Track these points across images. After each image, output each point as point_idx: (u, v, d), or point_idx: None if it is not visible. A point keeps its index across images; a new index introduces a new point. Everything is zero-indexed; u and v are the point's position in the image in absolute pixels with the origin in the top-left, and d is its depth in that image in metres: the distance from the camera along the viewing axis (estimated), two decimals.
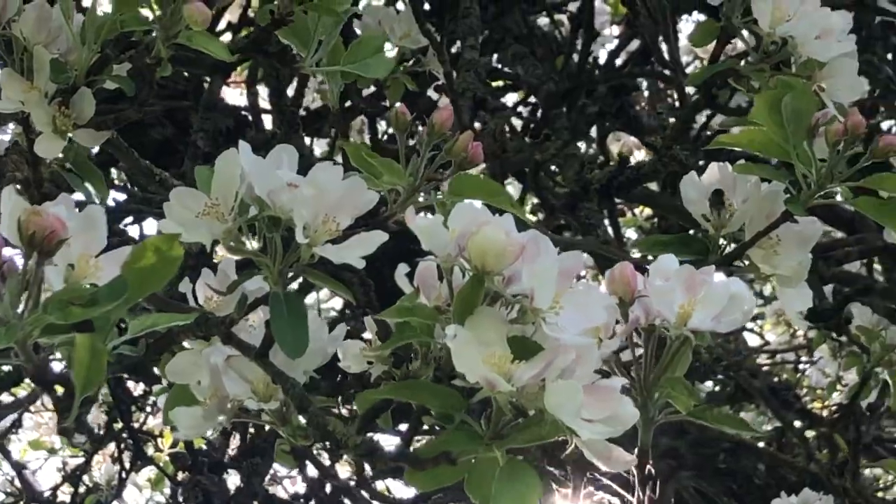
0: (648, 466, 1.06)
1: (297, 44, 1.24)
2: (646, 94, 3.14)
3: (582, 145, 2.74)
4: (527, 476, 0.95)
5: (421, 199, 1.16)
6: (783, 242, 1.29)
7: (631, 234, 3.50)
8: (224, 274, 1.17)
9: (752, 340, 3.77)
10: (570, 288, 0.98)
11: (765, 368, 3.38)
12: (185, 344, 1.16)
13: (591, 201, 1.69)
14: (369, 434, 1.03)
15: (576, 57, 2.38)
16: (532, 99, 2.65)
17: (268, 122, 2.22)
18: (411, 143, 1.16)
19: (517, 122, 2.73)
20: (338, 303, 3.35)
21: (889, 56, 2.14)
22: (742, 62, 1.45)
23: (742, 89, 1.44)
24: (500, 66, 2.73)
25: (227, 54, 1.12)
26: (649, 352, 1.00)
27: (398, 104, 1.15)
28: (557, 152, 1.86)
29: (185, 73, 2.30)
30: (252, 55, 1.37)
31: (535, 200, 2.74)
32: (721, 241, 1.31)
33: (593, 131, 2.67)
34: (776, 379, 3.09)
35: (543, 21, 3.00)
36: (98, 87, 1.23)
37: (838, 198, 1.26)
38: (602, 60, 2.72)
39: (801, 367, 3.58)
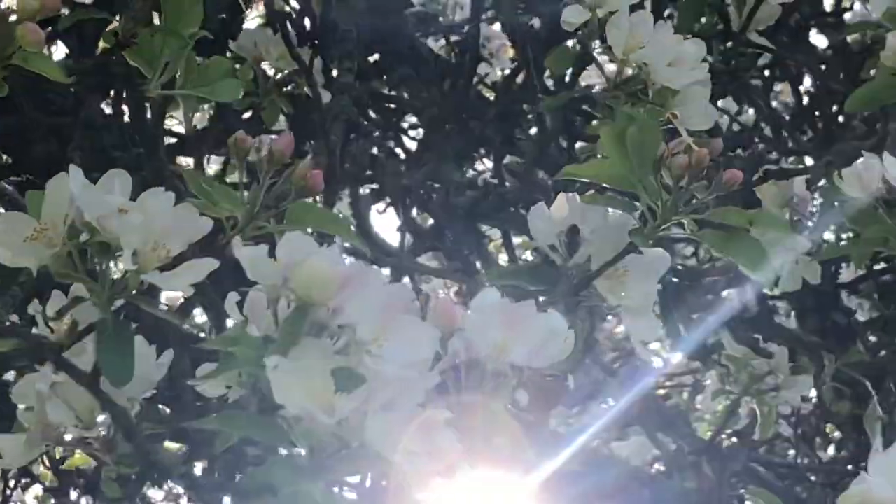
0: None
1: (143, 66, 1.23)
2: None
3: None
4: None
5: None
6: (630, 273, 1.29)
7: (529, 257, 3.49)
8: (57, 298, 1.15)
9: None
10: (397, 320, 0.98)
11: (662, 392, 3.38)
12: None
13: (456, 226, 1.70)
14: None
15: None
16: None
17: None
18: None
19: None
20: None
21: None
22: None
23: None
24: (388, 90, 2.72)
25: (62, 76, 1.10)
26: (470, 386, 0.99)
27: (238, 132, 1.13)
28: (425, 178, 1.86)
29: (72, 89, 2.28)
30: (95, 77, 1.36)
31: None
32: (571, 271, 1.31)
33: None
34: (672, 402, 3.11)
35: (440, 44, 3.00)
36: None
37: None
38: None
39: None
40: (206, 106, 2.54)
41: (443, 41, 2.96)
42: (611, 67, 1.45)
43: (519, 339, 0.98)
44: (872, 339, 2.23)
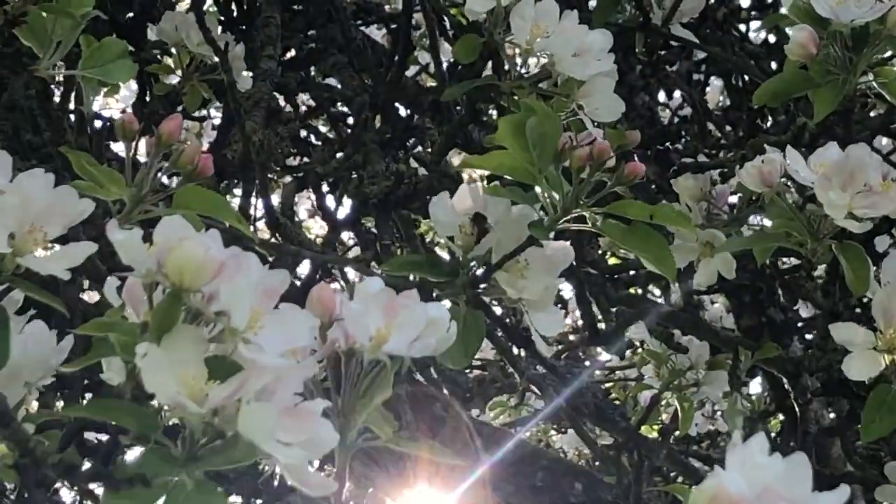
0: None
1: (34, 45, 1.21)
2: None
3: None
4: (215, 500, 0.92)
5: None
6: (531, 266, 1.28)
7: None
8: None
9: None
10: (274, 308, 0.96)
11: (606, 385, 3.36)
12: None
13: (369, 216, 1.68)
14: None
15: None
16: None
17: None
18: None
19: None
20: None
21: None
22: None
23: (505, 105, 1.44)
24: (320, 77, 2.71)
25: None
26: (349, 375, 0.98)
27: (125, 113, 1.11)
28: (339, 166, 1.85)
29: None
30: None
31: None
32: (471, 263, 1.29)
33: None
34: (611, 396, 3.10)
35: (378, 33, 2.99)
36: None
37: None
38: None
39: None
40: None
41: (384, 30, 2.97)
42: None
43: (398, 329, 0.97)
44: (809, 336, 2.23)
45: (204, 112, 2.60)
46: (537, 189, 1.26)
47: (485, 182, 1.38)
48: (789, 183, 1.37)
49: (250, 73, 2.04)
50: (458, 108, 1.62)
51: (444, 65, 1.72)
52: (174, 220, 0.98)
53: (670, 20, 1.75)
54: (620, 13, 1.74)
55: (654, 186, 1.97)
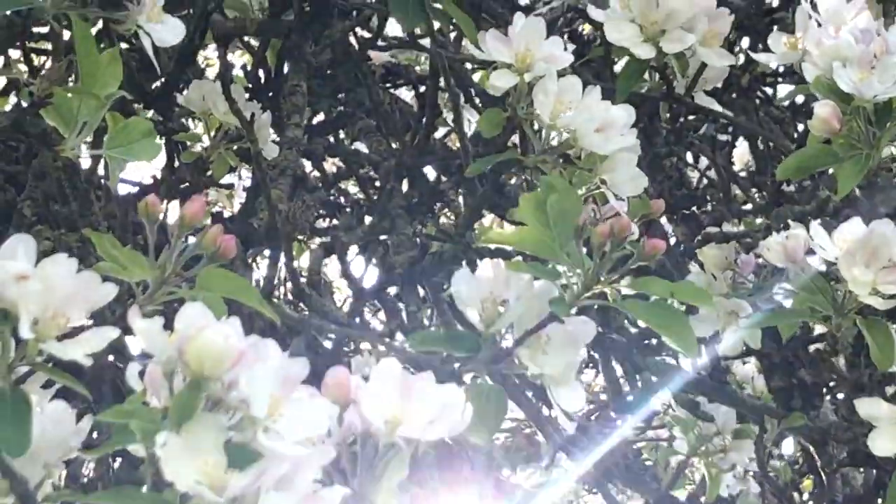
0: None
1: (60, 125, 1.22)
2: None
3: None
4: None
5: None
6: (552, 342, 1.27)
7: None
8: None
9: None
10: (292, 395, 0.97)
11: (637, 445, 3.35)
12: None
13: (395, 285, 1.69)
14: None
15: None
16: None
17: None
18: None
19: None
20: None
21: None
22: None
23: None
24: (348, 141, 2.72)
25: None
26: (365, 458, 0.98)
27: (150, 196, 1.12)
28: (365, 235, 1.86)
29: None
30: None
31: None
32: (495, 337, 1.29)
33: None
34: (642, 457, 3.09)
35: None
36: None
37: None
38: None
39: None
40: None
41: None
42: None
43: (413, 412, 0.97)
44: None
45: (232, 177, 2.61)
46: (559, 265, 1.27)
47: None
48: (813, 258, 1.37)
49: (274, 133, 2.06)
50: (483, 180, 1.62)
51: (469, 132, 1.73)
52: (195, 307, 0.98)
53: (693, 88, 1.75)
54: (644, 81, 1.74)
55: (681, 248, 1.97)
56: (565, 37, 2.19)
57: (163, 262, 1.13)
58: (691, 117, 2.03)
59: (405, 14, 1.49)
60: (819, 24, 1.45)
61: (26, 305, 0.98)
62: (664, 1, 1.56)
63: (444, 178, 2.48)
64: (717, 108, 1.83)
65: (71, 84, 1.24)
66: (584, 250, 1.25)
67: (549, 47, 1.44)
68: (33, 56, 2.23)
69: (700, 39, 1.58)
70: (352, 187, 3.00)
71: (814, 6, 1.52)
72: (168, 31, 1.24)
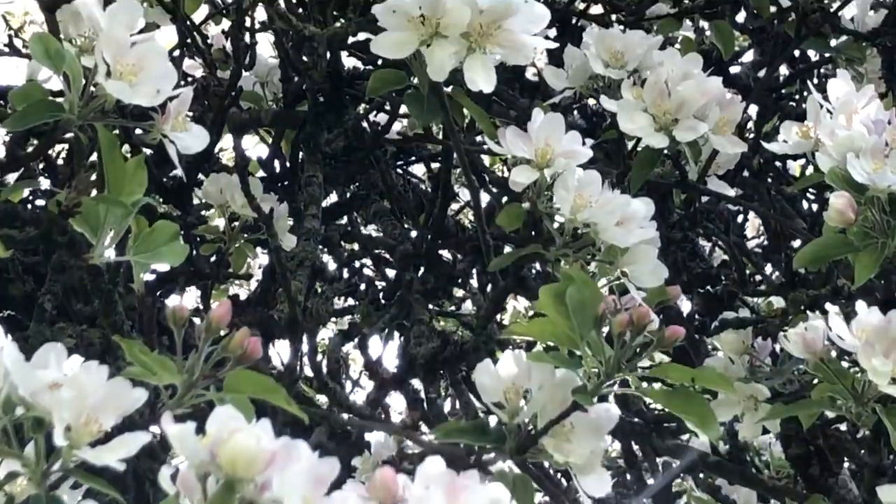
0: None
1: (87, 233, 1.24)
2: None
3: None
4: None
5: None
6: (576, 430, 1.29)
7: None
8: None
9: None
10: (325, 495, 0.98)
11: None
12: None
13: (416, 377, 1.70)
14: None
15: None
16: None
17: None
18: None
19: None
20: None
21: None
22: None
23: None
24: (362, 223, 2.74)
25: (0, 250, 1.12)
26: None
27: (176, 301, 1.14)
28: (385, 324, 1.87)
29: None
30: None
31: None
32: (519, 426, 1.31)
33: None
34: None
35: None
36: None
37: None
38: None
39: None
40: None
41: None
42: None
43: None
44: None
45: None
46: (579, 354, 1.28)
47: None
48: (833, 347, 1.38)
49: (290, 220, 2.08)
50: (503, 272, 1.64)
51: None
52: (226, 410, 1.00)
53: (706, 174, 1.78)
54: (657, 168, 1.76)
55: (696, 322, 1.98)
56: (575, 113, 2.22)
57: (191, 366, 1.15)
58: (704, 199, 2.04)
59: (420, 110, 1.50)
60: (830, 113, 1.48)
61: (60, 413, 1.00)
62: (676, 90, 1.58)
63: (459, 257, 2.51)
64: (730, 192, 1.85)
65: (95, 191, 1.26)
66: (605, 339, 1.27)
67: (569, 143, 1.46)
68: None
69: (712, 127, 1.61)
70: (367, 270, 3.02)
71: (823, 93, 1.54)
72: (193, 139, 1.26)
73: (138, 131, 1.78)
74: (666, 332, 1.26)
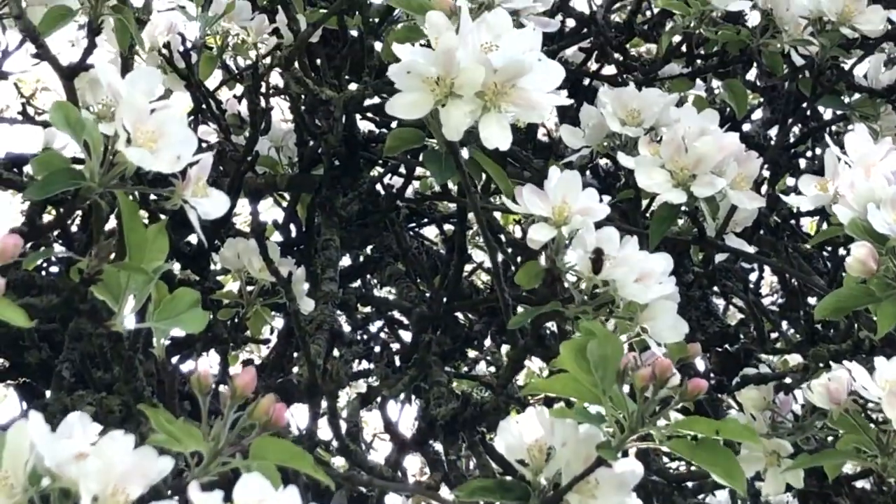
0: None
1: (109, 300, 1.24)
2: None
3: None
4: None
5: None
6: (601, 486, 1.28)
7: None
8: None
9: None
10: None
11: None
12: None
13: (436, 438, 1.70)
14: None
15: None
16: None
17: None
18: None
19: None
20: None
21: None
22: None
23: None
24: (377, 286, 2.74)
25: (25, 321, 1.11)
26: None
27: (200, 367, 1.14)
28: (404, 387, 1.87)
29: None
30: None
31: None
32: (543, 483, 1.30)
33: None
34: None
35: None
36: None
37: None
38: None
39: None
40: None
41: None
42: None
43: None
44: None
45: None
46: (602, 409, 1.28)
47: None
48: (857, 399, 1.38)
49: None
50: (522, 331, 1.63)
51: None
52: (253, 478, 1.00)
53: (724, 231, 1.78)
54: (675, 225, 1.77)
55: (713, 381, 1.98)
56: (587, 174, 2.23)
57: (216, 434, 1.14)
58: (720, 258, 2.04)
59: (438, 168, 1.51)
60: (848, 166, 1.48)
61: (86, 484, 1.00)
62: (693, 146, 1.59)
63: (473, 318, 2.51)
64: (749, 249, 1.85)
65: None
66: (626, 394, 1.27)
67: (586, 200, 1.47)
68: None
69: (730, 183, 1.61)
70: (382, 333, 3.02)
71: (840, 146, 1.54)
72: (213, 205, 1.25)
73: (153, 196, 1.80)
74: (688, 386, 1.26)
